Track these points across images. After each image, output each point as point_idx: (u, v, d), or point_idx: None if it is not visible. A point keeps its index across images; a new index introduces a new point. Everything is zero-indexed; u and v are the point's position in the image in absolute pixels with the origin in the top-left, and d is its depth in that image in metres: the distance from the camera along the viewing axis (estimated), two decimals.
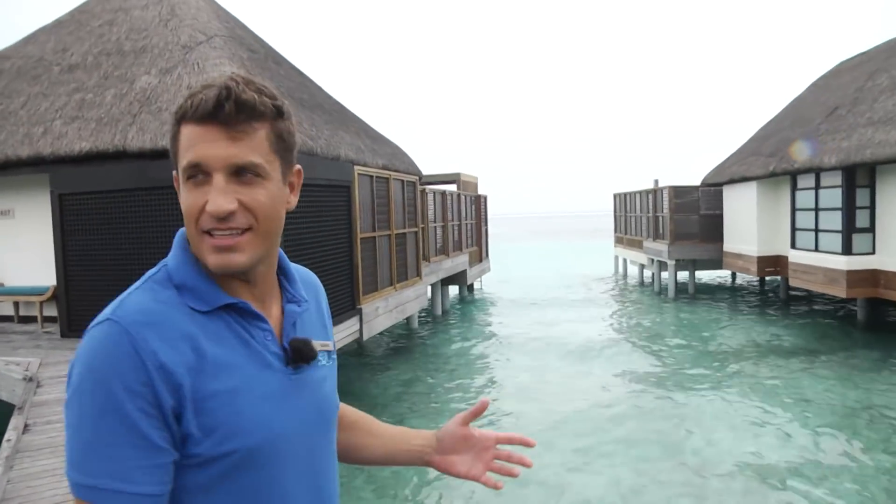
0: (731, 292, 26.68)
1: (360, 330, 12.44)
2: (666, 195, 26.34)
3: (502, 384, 13.48)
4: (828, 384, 12.51)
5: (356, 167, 12.42)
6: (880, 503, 7.49)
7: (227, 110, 1.13)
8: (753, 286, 27.67)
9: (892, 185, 15.51)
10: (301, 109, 11.80)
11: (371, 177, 13.19)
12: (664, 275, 27.87)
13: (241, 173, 1.16)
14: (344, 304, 11.83)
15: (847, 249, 16.31)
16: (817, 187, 17.54)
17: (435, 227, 20.60)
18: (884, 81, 17.25)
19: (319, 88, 15.45)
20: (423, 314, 21.38)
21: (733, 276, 30.49)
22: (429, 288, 20.31)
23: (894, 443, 9.54)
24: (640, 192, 30.88)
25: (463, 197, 25.61)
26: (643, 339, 17.55)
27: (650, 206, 28.87)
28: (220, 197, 1.14)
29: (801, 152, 17.80)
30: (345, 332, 11.71)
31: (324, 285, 1.58)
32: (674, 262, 25.99)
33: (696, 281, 28.31)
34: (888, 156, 14.26)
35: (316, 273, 1.58)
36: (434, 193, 20.62)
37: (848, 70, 21.17)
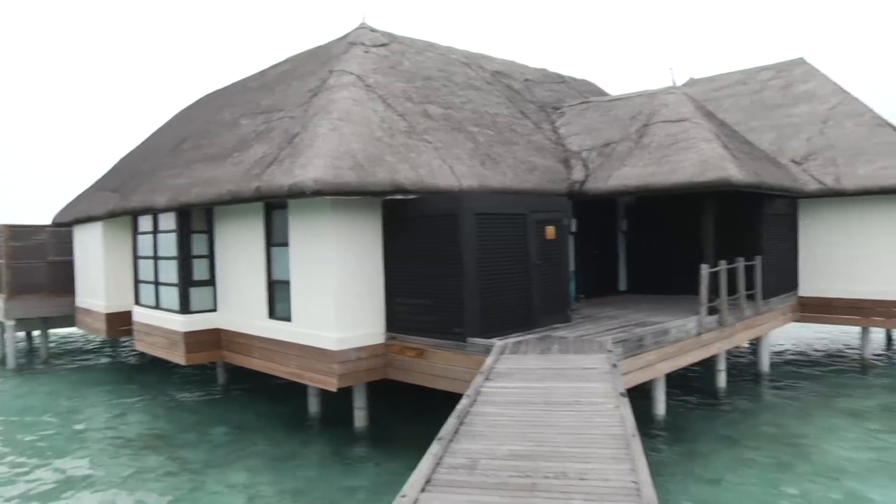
0: (96, 356, 21.96)
1: None
2: (3, 237, 20.26)
3: None
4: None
5: None
6: None
7: None
8: (126, 346, 23.51)
9: (227, 231, 13.40)
10: None
11: None
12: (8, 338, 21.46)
13: None
14: None
15: (185, 307, 13.56)
16: (155, 232, 14.50)
17: None
18: (226, 116, 15.37)
19: None
20: None
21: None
22: None
23: None
24: None
25: None
26: None
27: None
28: None
29: None
30: None
31: None
32: (13, 323, 20.02)
33: (52, 343, 22.90)
34: (212, 196, 11.92)
35: None
36: None
37: (206, 102, 19.22)
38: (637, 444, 5.44)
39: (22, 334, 23.24)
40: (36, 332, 22.79)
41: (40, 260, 20.64)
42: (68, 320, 20.92)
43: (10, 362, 19.87)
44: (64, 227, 20.52)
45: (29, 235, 20.59)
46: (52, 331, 22.44)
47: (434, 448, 5.49)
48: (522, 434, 5.94)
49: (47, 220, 21.36)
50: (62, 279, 20.58)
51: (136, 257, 15.62)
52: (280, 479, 9.87)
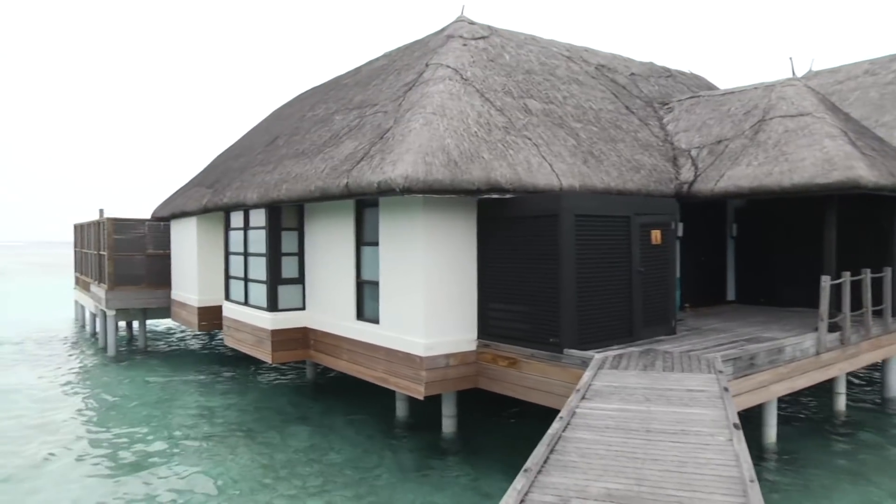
0: (192, 347, 22.48)
1: None
2: (106, 229, 21.01)
3: None
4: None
5: None
6: None
7: None
8: (221, 339, 23.99)
9: (318, 229, 13.19)
10: None
11: None
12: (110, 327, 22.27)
13: None
14: None
15: (273, 304, 13.45)
16: (246, 228, 14.49)
17: None
18: (320, 112, 15.22)
19: None
20: None
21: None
22: None
23: None
24: (90, 225, 24.87)
25: None
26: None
27: (99, 243, 23.07)
28: None
29: None
30: None
31: None
32: (114, 313, 20.71)
33: (151, 333, 23.59)
34: (301, 193, 11.69)
35: None
36: None
37: (301, 99, 19.24)
38: (756, 493, 4.57)
39: (123, 324, 24.08)
40: (135, 323, 23.55)
41: (140, 252, 21.28)
42: (165, 312, 21.48)
43: (111, 350, 20.56)
44: (162, 221, 21.06)
45: (130, 229, 21.24)
46: (149, 321, 23.16)
47: (518, 482, 4.83)
48: (620, 468, 5.20)
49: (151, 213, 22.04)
50: (160, 272, 21.15)
51: (227, 253, 15.72)
52: (358, 488, 9.46)
